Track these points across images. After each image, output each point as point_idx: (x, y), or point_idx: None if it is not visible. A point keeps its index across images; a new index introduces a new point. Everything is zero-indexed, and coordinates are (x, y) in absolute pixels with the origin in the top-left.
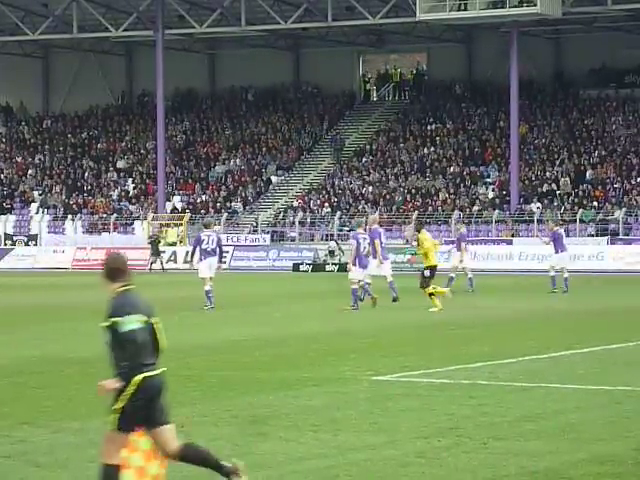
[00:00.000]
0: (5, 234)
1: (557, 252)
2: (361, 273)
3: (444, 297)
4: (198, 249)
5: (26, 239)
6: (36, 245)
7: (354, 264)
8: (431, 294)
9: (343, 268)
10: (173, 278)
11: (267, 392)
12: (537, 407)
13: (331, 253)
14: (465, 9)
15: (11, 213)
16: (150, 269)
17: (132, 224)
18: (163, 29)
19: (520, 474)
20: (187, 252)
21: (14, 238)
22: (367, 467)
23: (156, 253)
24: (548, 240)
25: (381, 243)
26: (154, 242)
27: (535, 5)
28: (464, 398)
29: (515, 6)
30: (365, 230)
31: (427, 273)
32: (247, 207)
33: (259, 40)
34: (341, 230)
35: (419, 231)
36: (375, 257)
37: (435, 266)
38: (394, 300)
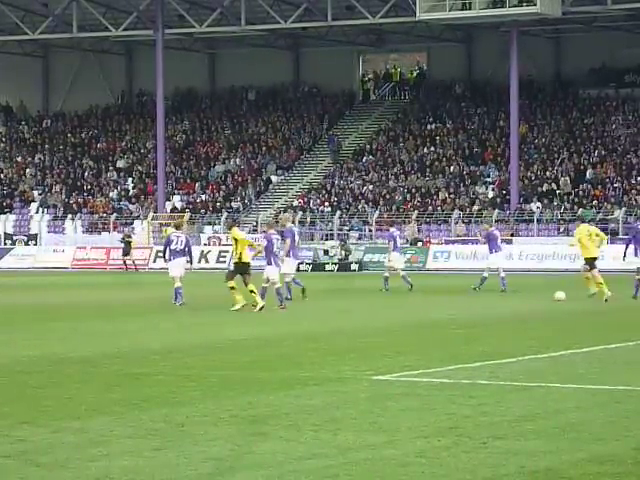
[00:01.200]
0: (5, 234)
1: (492, 252)
2: (277, 272)
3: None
4: (168, 249)
5: (26, 239)
6: (36, 245)
7: (270, 263)
8: (232, 287)
9: (342, 267)
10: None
11: (267, 392)
12: (537, 407)
13: (326, 252)
14: (465, 9)
15: (11, 213)
16: (126, 268)
17: (132, 224)
18: (163, 29)
19: (520, 473)
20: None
21: (14, 238)
22: (367, 467)
23: (127, 252)
24: (483, 240)
25: (293, 241)
26: (126, 242)
27: (535, 5)
28: (464, 398)
29: (515, 6)
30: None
31: (232, 267)
32: (247, 207)
33: (259, 40)
34: (341, 230)
35: (230, 228)
36: (289, 256)
37: (248, 263)
38: (289, 298)
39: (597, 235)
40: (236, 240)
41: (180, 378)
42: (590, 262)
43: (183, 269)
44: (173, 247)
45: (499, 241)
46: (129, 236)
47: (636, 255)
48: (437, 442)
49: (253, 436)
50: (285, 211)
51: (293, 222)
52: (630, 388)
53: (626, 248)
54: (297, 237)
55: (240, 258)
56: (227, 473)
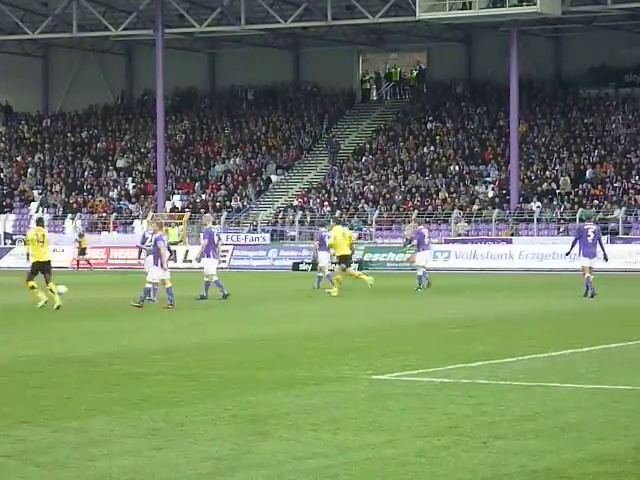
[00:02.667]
0: (5, 233)
1: (419, 251)
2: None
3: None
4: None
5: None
6: None
7: (207, 256)
8: (32, 287)
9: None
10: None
11: (267, 391)
12: (537, 406)
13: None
14: (465, 8)
15: (11, 212)
16: (78, 268)
17: (132, 223)
18: (163, 28)
19: (520, 473)
20: (185, 251)
21: (14, 237)
22: (367, 466)
23: (82, 252)
24: (413, 240)
25: (212, 242)
26: (80, 242)
27: (535, 4)
28: (464, 397)
29: (515, 5)
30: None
31: (30, 267)
32: (247, 206)
33: (259, 39)
34: None
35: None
36: (209, 256)
37: (48, 261)
38: (225, 297)
39: (350, 237)
40: (29, 241)
41: (180, 378)
42: (344, 260)
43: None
44: (148, 244)
45: (426, 240)
46: (82, 235)
47: (581, 255)
48: (437, 442)
49: (253, 436)
50: (285, 210)
51: (214, 223)
52: (630, 388)
53: (572, 247)
54: (217, 238)
55: (39, 257)
56: (227, 473)
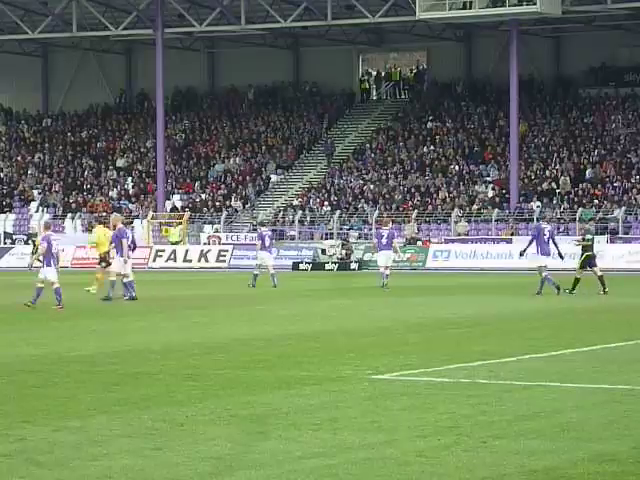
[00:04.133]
0: (5, 233)
1: (262, 250)
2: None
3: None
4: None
5: (26, 238)
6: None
7: (49, 265)
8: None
9: (342, 267)
10: (175, 277)
11: (267, 391)
12: (537, 406)
13: (323, 252)
14: (465, 8)
15: (11, 212)
16: (30, 268)
17: (132, 223)
18: (163, 28)
19: (519, 473)
20: (185, 251)
21: (14, 237)
22: (367, 466)
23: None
24: (259, 240)
25: (127, 242)
26: (34, 241)
27: (535, 4)
28: (464, 397)
29: (515, 5)
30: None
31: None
32: (246, 206)
33: (259, 39)
34: (341, 229)
35: None
36: (122, 255)
37: None
38: (133, 299)
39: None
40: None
41: (180, 377)
42: (104, 259)
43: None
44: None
45: (267, 241)
46: (35, 235)
47: (538, 253)
48: (437, 441)
49: (253, 435)
50: (285, 209)
51: (124, 223)
52: (630, 387)
53: (528, 245)
54: (127, 238)
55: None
56: (226, 472)
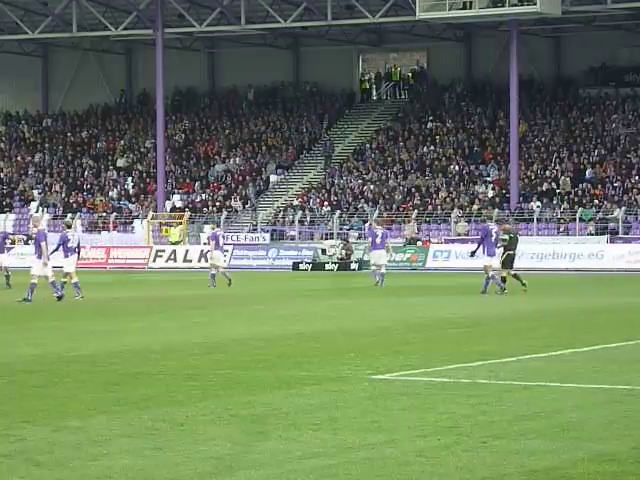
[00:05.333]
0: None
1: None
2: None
3: None
4: (62, 247)
5: (26, 238)
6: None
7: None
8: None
9: (342, 267)
10: (175, 277)
11: (267, 391)
12: (537, 406)
13: (323, 252)
14: (465, 8)
15: (11, 212)
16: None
17: (132, 223)
18: (163, 28)
19: (520, 473)
20: (185, 251)
21: (14, 237)
22: (367, 466)
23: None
24: (211, 242)
25: (46, 245)
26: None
27: (535, 4)
28: (464, 397)
29: (515, 5)
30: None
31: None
32: (246, 206)
33: (259, 39)
34: (341, 229)
35: None
36: (40, 258)
37: None
38: (60, 298)
39: None
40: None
41: (180, 377)
42: None
43: (75, 265)
44: (69, 245)
45: (221, 241)
46: (12, 234)
47: (485, 254)
48: (437, 441)
49: (253, 435)
50: (285, 209)
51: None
52: (630, 387)
53: (477, 247)
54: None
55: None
56: (226, 472)
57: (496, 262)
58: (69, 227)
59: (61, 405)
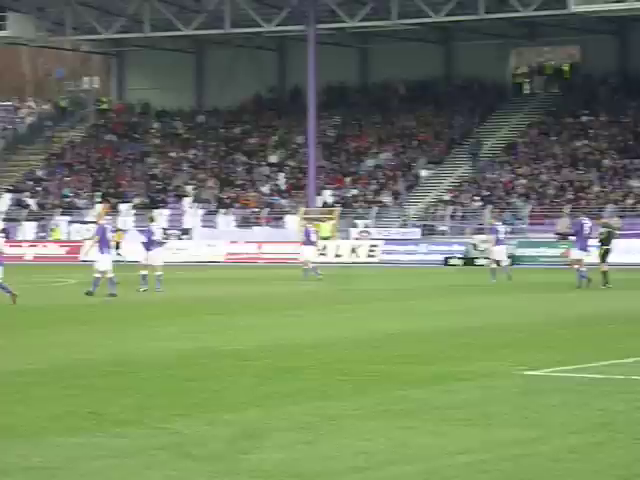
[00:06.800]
0: (162, 229)
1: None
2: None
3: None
4: (146, 242)
5: (179, 233)
6: (189, 239)
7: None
8: None
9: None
10: (325, 272)
11: (418, 386)
12: None
13: (475, 247)
14: (620, 0)
15: (165, 207)
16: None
17: (283, 218)
18: (315, 24)
19: None
20: (336, 246)
21: (168, 232)
22: (518, 462)
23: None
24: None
25: (102, 238)
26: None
27: None
28: (618, 393)
29: None
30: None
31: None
32: (397, 201)
33: (410, 34)
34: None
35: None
36: (103, 252)
37: None
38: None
39: None
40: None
41: (331, 372)
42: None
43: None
44: (154, 238)
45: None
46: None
47: (577, 248)
48: (590, 438)
49: (404, 430)
50: (436, 204)
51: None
52: None
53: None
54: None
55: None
56: (378, 467)
57: (587, 257)
58: (153, 221)
59: (215, 399)
